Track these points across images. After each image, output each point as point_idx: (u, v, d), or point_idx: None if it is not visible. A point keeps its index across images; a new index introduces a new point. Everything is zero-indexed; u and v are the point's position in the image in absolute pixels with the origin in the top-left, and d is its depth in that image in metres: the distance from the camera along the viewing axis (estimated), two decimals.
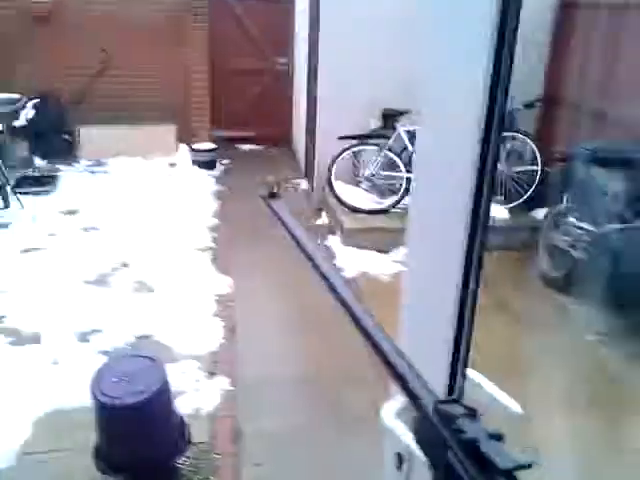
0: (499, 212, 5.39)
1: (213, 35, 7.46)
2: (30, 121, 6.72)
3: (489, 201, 0.80)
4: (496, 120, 0.74)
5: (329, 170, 5.41)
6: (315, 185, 6.02)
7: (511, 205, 5.45)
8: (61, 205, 5.66)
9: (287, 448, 2.84)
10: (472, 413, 0.46)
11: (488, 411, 1.02)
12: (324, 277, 0.69)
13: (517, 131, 5.47)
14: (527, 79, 5.68)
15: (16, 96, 6.14)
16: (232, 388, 3.24)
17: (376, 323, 0.65)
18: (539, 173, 5.31)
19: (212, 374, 3.34)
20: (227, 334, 3.74)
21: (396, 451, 0.97)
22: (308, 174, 6.60)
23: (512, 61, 0.72)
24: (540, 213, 5.19)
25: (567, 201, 4.58)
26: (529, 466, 0.43)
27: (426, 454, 0.48)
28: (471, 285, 0.82)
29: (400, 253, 4.97)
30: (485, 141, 0.75)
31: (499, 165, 5.44)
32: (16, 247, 4.70)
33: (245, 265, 4.77)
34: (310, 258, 0.72)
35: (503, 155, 5.51)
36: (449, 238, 0.81)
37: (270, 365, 3.50)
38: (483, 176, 0.77)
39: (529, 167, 5.45)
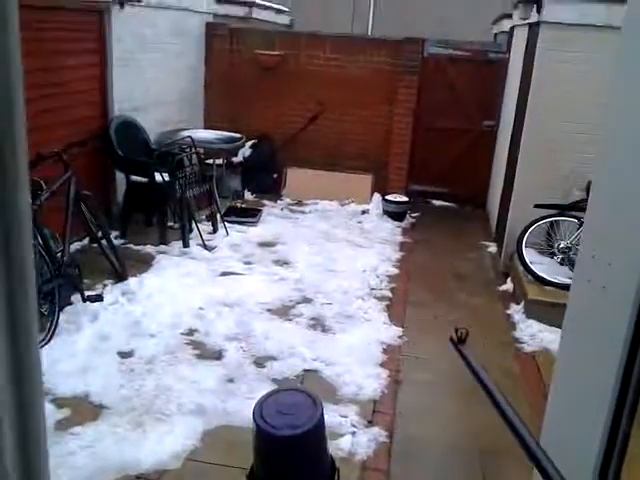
0: None
1: (421, 93, 7.69)
2: (246, 158, 7.48)
3: None
4: None
5: (520, 236, 5.23)
6: (504, 250, 5.85)
7: None
8: (260, 237, 6.17)
9: None
10: None
11: None
12: (502, 414, 0.74)
13: None
14: None
15: (238, 135, 6.87)
16: (387, 441, 3.23)
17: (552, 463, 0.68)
18: None
19: (370, 422, 3.37)
20: (390, 385, 3.76)
21: None
22: (498, 238, 6.43)
23: None
24: None
25: None
26: None
27: None
28: (630, 393, 0.77)
29: None
30: None
31: None
32: (216, 270, 5.21)
33: (418, 319, 4.76)
34: (491, 395, 0.78)
35: None
36: (609, 335, 0.77)
37: (429, 425, 3.43)
38: None
39: None
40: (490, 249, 6.56)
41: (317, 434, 2.37)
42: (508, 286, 5.47)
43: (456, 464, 3.11)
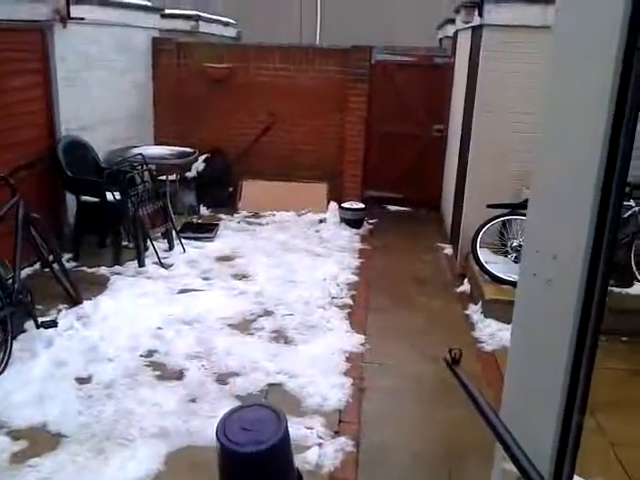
0: None
1: (372, 100, 7.76)
2: (200, 173, 7.41)
3: (607, 282, 0.76)
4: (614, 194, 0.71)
5: (475, 237, 5.32)
6: (460, 251, 5.93)
7: None
8: (218, 252, 6.10)
9: None
10: None
11: None
12: (496, 434, 0.77)
13: None
14: None
15: (190, 150, 6.80)
16: (354, 450, 3.22)
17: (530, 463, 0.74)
18: None
19: (336, 433, 3.35)
20: (355, 394, 3.75)
21: None
22: (453, 240, 6.52)
23: None
24: None
25: None
26: None
27: None
28: (581, 384, 0.78)
29: None
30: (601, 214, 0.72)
31: None
32: (174, 288, 5.13)
33: (379, 326, 4.78)
34: (484, 414, 0.83)
35: None
36: (557, 327, 0.78)
37: (395, 432, 3.43)
38: (601, 244, 0.74)
39: None
40: (446, 251, 6.65)
41: (282, 448, 2.34)
42: (465, 287, 5.55)
43: (422, 468, 3.12)
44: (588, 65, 0.77)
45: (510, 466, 0.87)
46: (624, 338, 4.71)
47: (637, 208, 5.15)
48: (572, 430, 0.81)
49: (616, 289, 5.09)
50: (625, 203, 5.22)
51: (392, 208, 8.37)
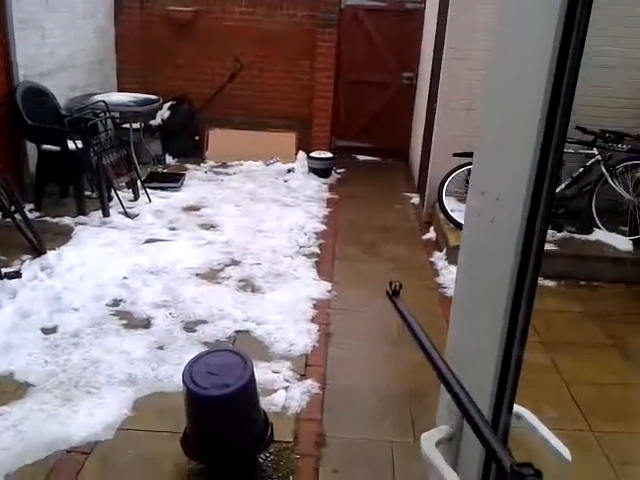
0: (622, 243, 5.08)
1: (340, 47, 7.63)
2: (165, 121, 7.26)
3: (546, 223, 0.78)
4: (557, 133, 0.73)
5: (441, 185, 5.37)
6: (426, 200, 5.99)
7: (636, 237, 5.10)
8: (184, 202, 6.05)
9: (364, 460, 2.86)
10: (538, 473, 0.59)
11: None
12: (432, 361, 0.84)
13: None
14: None
15: (154, 97, 6.63)
16: (320, 392, 3.31)
17: (463, 390, 0.79)
18: None
19: (302, 376, 3.43)
20: (321, 339, 3.82)
21: None
22: (421, 189, 6.57)
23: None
24: None
25: None
26: None
27: None
28: (520, 320, 0.81)
29: None
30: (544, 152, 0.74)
31: (626, 194, 5.13)
32: (140, 237, 5.09)
33: (346, 274, 4.83)
34: (422, 347, 0.89)
35: (631, 184, 5.18)
36: (498, 266, 0.80)
37: (360, 374, 3.53)
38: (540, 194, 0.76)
39: None
40: (413, 200, 6.70)
41: (248, 392, 2.40)
42: (431, 235, 5.63)
43: (386, 408, 3.23)
44: (534, 9, 0.77)
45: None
46: (582, 282, 4.86)
47: (600, 157, 5.24)
48: (512, 365, 0.84)
49: (577, 235, 5.23)
50: (588, 152, 5.30)
51: (361, 158, 8.35)
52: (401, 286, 1.00)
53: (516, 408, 0.94)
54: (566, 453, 0.89)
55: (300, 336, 3.82)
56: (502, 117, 0.81)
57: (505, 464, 0.60)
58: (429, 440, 0.88)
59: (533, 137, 0.73)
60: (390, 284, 1.00)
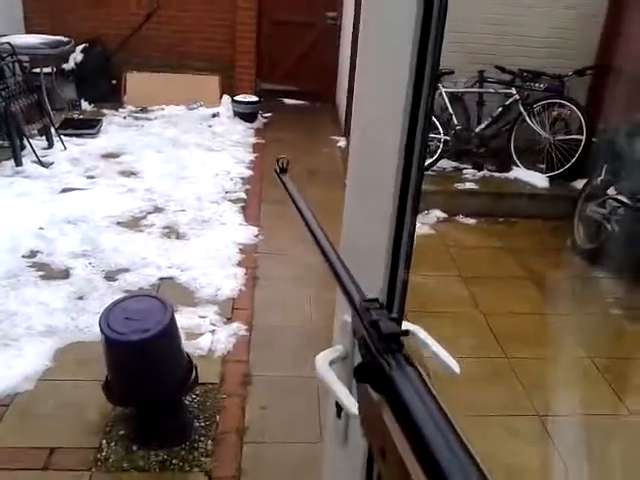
0: (539, 180, 5.27)
1: None
2: (78, 65, 6.88)
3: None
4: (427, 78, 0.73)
5: None
6: None
7: (552, 174, 5.30)
8: (102, 149, 5.81)
9: (291, 396, 2.93)
10: (382, 306, 0.62)
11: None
12: (314, 237, 0.88)
13: (565, 99, 5.28)
14: (580, 46, 5.47)
15: (66, 39, 6.25)
16: (247, 334, 3.33)
17: (329, 244, 0.85)
18: (583, 143, 5.11)
19: (229, 320, 3.44)
20: (248, 282, 3.83)
21: (335, 400, 1.00)
22: (347, 132, 6.55)
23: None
24: (581, 184, 5.05)
25: (607, 173, 4.44)
26: (406, 333, 0.59)
27: (353, 332, 0.65)
28: (403, 242, 0.82)
29: (431, 216, 4.94)
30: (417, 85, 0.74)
31: (542, 132, 5.29)
32: (56, 187, 4.88)
33: (273, 218, 4.82)
34: (306, 224, 0.92)
35: (547, 123, 5.34)
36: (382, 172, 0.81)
37: (286, 315, 3.57)
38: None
39: (574, 136, 5.26)
40: (340, 144, 6.69)
41: (168, 335, 2.38)
42: None
43: (310, 346, 3.28)
44: None
45: (347, 317, 0.93)
46: (501, 219, 5.04)
47: (518, 96, 5.36)
48: (398, 283, 0.86)
49: (496, 174, 5.38)
50: (507, 91, 5.41)
51: (288, 102, 8.22)
52: (288, 162, 1.03)
53: (408, 326, 0.97)
54: (455, 367, 0.92)
55: (226, 281, 3.81)
56: (376, 54, 0.81)
57: (355, 299, 0.67)
58: (323, 360, 0.90)
59: (407, 59, 0.73)
60: (277, 161, 1.02)
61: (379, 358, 0.55)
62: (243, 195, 5.15)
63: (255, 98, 7.21)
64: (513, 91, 5.39)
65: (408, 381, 0.50)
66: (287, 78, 8.05)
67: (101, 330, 2.29)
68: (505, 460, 2.62)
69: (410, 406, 0.49)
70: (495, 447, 2.69)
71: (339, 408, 1.11)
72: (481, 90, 5.56)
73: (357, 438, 0.58)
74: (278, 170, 1.06)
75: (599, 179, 4.44)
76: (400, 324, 0.62)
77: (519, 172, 5.36)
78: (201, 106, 7.21)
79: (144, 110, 7.10)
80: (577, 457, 2.70)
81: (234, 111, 7.11)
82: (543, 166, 5.38)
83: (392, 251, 0.86)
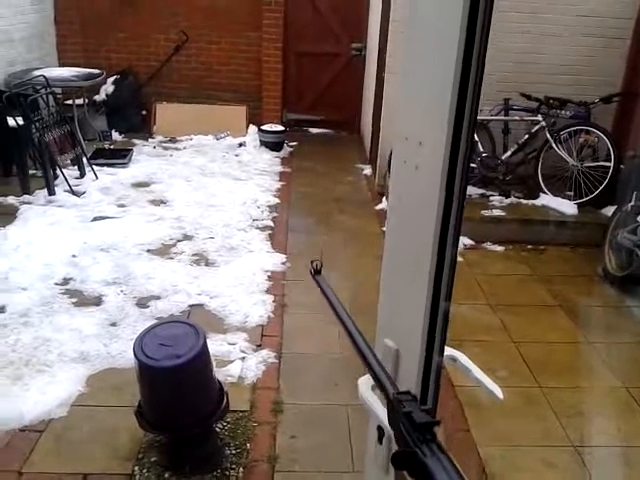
0: (568, 207, 5.23)
1: (288, 18, 7.54)
2: (109, 96, 7.06)
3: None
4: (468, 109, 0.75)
5: (391, 155, 5.39)
6: (378, 170, 6.03)
7: (580, 201, 5.26)
8: (133, 178, 5.93)
9: (321, 425, 2.91)
10: (415, 398, 0.67)
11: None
12: (349, 334, 0.94)
13: (592, 125, 5.27)
14: (605, 72, 5.48)
15: (98, 71, 6.44)
16: (276, 361, 3.33)
17: (366, 344, 0.90)
18: (612, 170, 5.08)
19: (259, 347, 3.45)
20: (276, 310, 3.84)
21: (377, 425, 1.00)
22: (372, 160, 6.60)
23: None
24: (610, 211, 5.00)
25: (637, 199, 4.39)
26: (438, 422, 0.62)
27: (389, 423, 0.69)
28: (445, 272, 0.83)
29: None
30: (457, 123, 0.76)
31: (570, 159, 5.27)
32: (88, 215, 4.98)
33: (300, 245, 4.85)
34: (341, 322, 0.98)
35: (575, 149, 5.33)
36: (423, 211, 0.82)
37: (314, 343, 3.56)
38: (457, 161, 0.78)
39: (602, 163, 5.22)
40: (366, 171, 6.74)
41: (200, 361, 2.39)
42: (383, 205, 5.68)
43: (341, 373, 3.27)
44: None
45: (389, 341, 0.94)
46: (529, 246, 5.00)
47: (544, 123, 5.36)
48: (439, 311, 0.87)
49: (524, 201, 5.36)
50: (533, 118, 5.41)
51: (313, 131, 8.32)
52: (322, 264, 1.07)
53: (451, 351, 0.97)
54: (498, 392, 0.93)
55: (255, 307, 3.83)
56: (422, 64, 0.82)
57: (389, 392, 0.71)
58: (366, 384, 0.91)
59: (450, 80, 0.74)
60: (312, 263, 1.07)
61: (414, 447, 0.60)
62: (270, 223, 5.19)
63: (281, 127, 7.32)
64: (539, 118, 5.39)
65: (442, 469, 0.56)
66: (313, 108, 8.17)
67: (135, 356, 2.31)
68: None
69: None
70: (531, 479, 2.64)
71: (381, 433, 1.11)
72: (507, 118, 5.57)
73: None
74: (312, 272, 1.11)
75: (629, 205, 4.39)
76: (434, 415, 0.67)
77: (547, 199, 5.33)
78: (228, 136, 7.33)
79: (173, 140, 7.25)
80: None
81: (260, 140, 7.22)
82: (571, 193, 5.34)
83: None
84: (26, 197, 5.20)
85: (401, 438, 0.64)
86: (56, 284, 3.92)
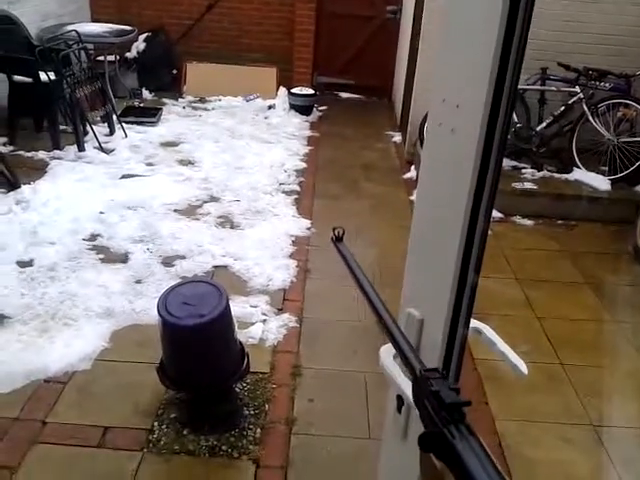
0: (601, 183, 5.10)
1: None
2: (140, 54, 7.03)
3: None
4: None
5: (422, 123, 5.31)
6: (408, 138, 5.93)
7: (615, 177, 5.12)
8: (162, 137, 5.93)
9: (339, 390, 2.93)
10: (443, 375, 0.64)
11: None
12: (373, 306, 0.90)
13: (632, 99, 5.09)
14: None
15: (129, 28, 6.40)
16: (297, 325, 3.35)
17: (390, 316, 0.86)
18: None
19: (280, 310, 3.46)
20: (299, 275, 3.85)
21: (397, 394, 0.99)
22: (403, 127, 6.49)
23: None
24: None
25: None
26: (469, 403, 0.60)
27: (414, 400, 0.67)
28: (475, 242, 0.80)
29: None
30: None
31: (606, 133, 5.11)
32: (116, 173, 5.01)
33: (325, 211, 4.82)
34: (364, 293, 0.94)
35: (612, 123, 5.17)
36: (458, 177, 0.79)
37: (335, 309, 3.56)
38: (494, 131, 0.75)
39: None
40: (395, 139, 6.64)
41: (223, 321, 2.41)
42: (412, 174, 5.60)
43: (360, 340, 3.28)
44: None
45: (414, 311, 0.92)
46: (559, 221, 4.91)
47: (582, 95, 5.19)
48: (467, 288, 0.84)
49: (556, 175, 5.24)
50: (571, 89, 5.25)
51: (343, 95, 8.19)
52: (344, 232, 1.04)
53: (476, 324, 0.95)
54: (523, 367, 0.90)
55: (278, 271, 3.84)
56: (462, 24, 0.78)
57: (415, 368, 0.68)
58: (387, 352, 0.89)
59: (492, 45, 0.70)
60: (334, 230, 1.04)
61: (442, 428, 0.57)
62: (297, 187, 5.17)
63: (311, 91, 7.22)
64: (577, 89, 5.22)
65: (471, 451, 0.53)
66: (344, 72, 8.03)
67: (159, 313, 2.33)
68: (558, 469, 2.56)
69: (474, 475, 0.51)
70: (548, 455, 2.63)
71: (400, 402, 1.10)
72: (544, 88, 5.41)
73: (417, 433, 0.58)
74: (334, 239, 1.08)
75: None
76: (459, 394, 0.64)
77: (580, 174, 5.20)
78: (258, 97, 7.26)
79: (202, 100, 7.22)
80: (633, 470, 2.62)
81: (290, 104, 7.14)
82: (605, 168, 5.20)
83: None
84: (56, 152, 5.24)
85: (427, 417, 0.62)
86: (83, 240, 3.97)
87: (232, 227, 4.38)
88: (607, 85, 5.14)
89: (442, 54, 0.80)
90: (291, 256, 4.05)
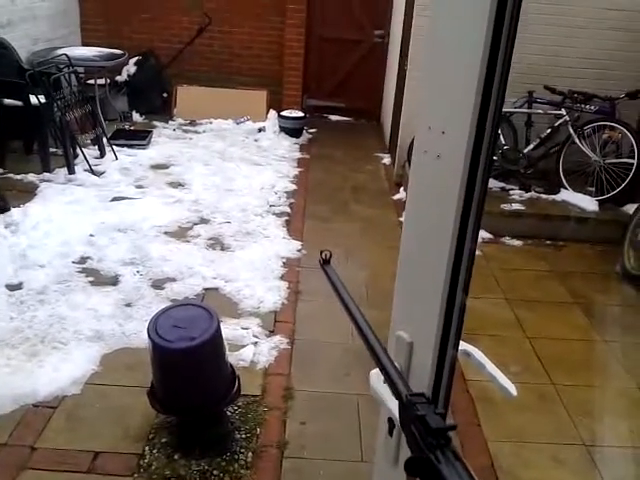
0: (588, 203, 5.16)
1: (311, 3, 7.47)
2: (131, 77, 7.08)
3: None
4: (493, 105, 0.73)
5: (410, 145, 5.36)
6: (397, 160, 5.98)
7: (602, 198, 5.18)
8: (152, 160, 5.95)
9: (331, 413, 2.92)
10: (429, 400, 0.65)
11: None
12: (360, 330, 0.91)
13: (616, 121, 5.17)
14: (633, 68, 5.37)
15: (120, 52, 6.45)
16: (288, 347, 3.34)
17: (377, 339, 0.88)
18: (635, 167, 4.99)
19: (271, 332, 3.46)
20: (290, 296, 3.85)
21: (388, 416, 0.99)
22: (392, 149, 6.56)
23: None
24: (632, 209, 4.92)
25: None
26: (454, 427, 0.61)
27: (401, 425, 0.68)
28: (463, 265, 0.82)
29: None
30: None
31: (592, 155, 5.19)
32: (107, 195, 5.01)
33: (316, 233, 4.84)
34: (351, 316, 0.95)
35: (598, 145, 5.24)
36: (444, 203, 0.80)
37: (327, 330, 3.56)
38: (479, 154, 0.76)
39: (626, 160, 5.14)
40: (384, 160, 6.70)
41: (214, 344, 2.40)
42: (401, 195, 5.64)
43: (352, 362, 3.27)
44: None
45: (403, 334, 0.93)
46: (548, 242, 4.95)
47: (567, 117, 5.28)
48: (455, 309, 0.85)
49: (544, 195, 5.30)
50: (557, 112, 5.33)
51: (333, 118, 8.27)
52: (331, 255, 1.05)
53: (465, 346, 0.96)
54: (512, 389, 0.91)
55: (269, 293, 3.83)
56: (446, 51, 0.80)
57: (402, 393, 0.69)
58: (377, 376, 0.90)
59: (477, 68, 0.72)
60: (321, 253, 1.04)
61: (428, 453, 0.58)
62: (287, 209, 5.19)
63: (301, 114, 7.29)
64: (563, 112, 5.31)
65: (457, 476, 0.54)
66: (333, 95, 8.12)
67: (149, 336, 2.33)
68: None
69: None
70: (541, 476, 2.63)
71: (391, 425, 1.10)
72: (530, 111, 5.50)
73: (407, 457, 0.59)
74: (322, 262, 1.09)
75: None
76: (445, 419, 0.64)
77: (567, 194, 5.26)
78: (248, 120, 7.31)
79: (193, 123, 7.25)
80: None
81: (280, 126, 7.19)
82: (592, 189, 5.26)
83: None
84: (46, 175, 5.24)
85: (413, 442, 0.62)
86: (73, 262, 3.95)
87: (222, 249, 4.38)
88: (592, 108, 5.24)
89: (426, 81, 0.82)
90: (282, 278, 4.05)
